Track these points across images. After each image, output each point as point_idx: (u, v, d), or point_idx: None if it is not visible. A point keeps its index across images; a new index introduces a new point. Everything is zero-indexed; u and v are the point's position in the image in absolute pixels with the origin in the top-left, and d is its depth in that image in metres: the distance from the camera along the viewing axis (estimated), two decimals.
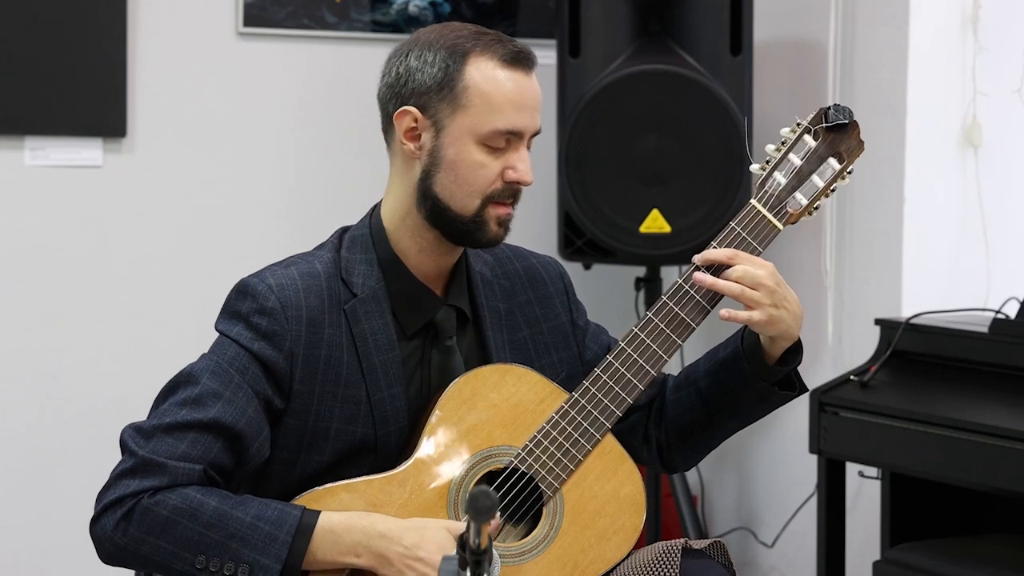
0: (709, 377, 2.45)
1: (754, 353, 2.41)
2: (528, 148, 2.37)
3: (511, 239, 2.45)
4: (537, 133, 2.37)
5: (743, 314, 2.33)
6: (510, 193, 2.35)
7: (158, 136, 4.08)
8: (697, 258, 2.37)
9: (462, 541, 1.84)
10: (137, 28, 4.04)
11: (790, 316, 2.35)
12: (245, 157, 4.18)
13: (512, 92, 2.31)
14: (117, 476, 2.25)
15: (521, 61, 2.34)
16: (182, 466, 2.22)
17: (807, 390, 2.49)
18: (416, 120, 2.34)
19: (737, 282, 2.32)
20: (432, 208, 2.34)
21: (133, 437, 2.26)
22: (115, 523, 2.22)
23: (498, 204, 2.34)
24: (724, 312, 2.34)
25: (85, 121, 3.99)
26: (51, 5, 3.92)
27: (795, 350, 2.41)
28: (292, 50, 4.21)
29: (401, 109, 2.34)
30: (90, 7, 3.95)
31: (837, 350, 4.18)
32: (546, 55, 4.24)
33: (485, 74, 2.31)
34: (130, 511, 2.22)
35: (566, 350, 2.50)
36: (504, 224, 2.36)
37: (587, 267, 4.22)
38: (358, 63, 4.25)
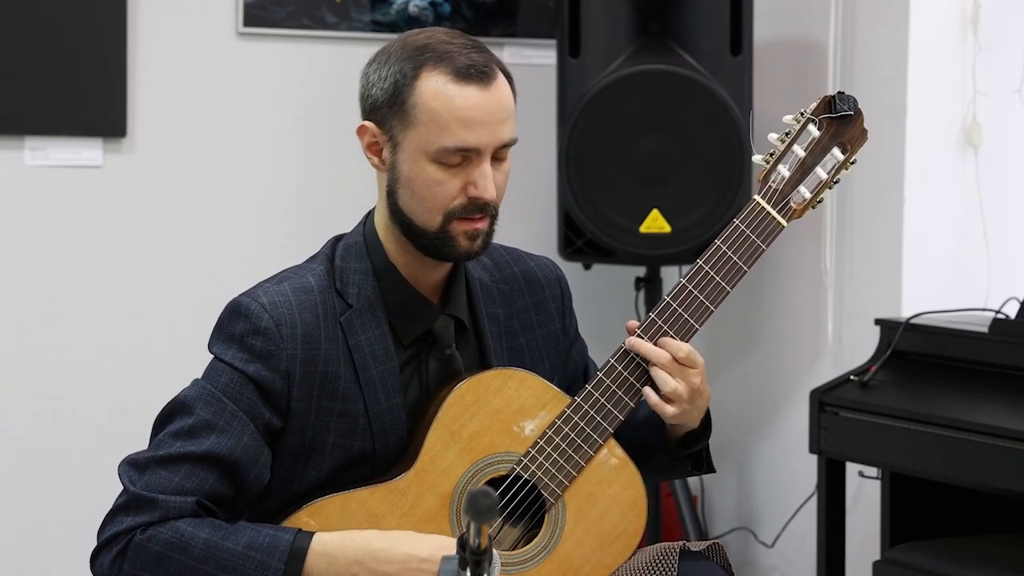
0: (632, 428, 2.42)
1: (662, 426, 2.42)
2: (502, 159, 2.29)
3: (513, 238, 2.43)
4: (508, 144, 2.29)
5: (656, 399, 2.33)
6: (476, 208, 2.28)
7: (158, 136, 4.08)
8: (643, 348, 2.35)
9: (462, 541, 1.84)
10: (137, 28, 4.04)
11: (697, 412, 2.37)
12: (245, 157, 4.18)
13: (461, 109, 2.24)
14: (112, 512, 2.24)
15: (473, 76, 2.25)
16: (174, 500, 2.21)
17: (713, 471, 2.49)
18: (375, 135, 2.31)
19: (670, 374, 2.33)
20: (400, 222, 2.31)
21: (128, 472, 2.25)
22: (111, 561, 2.22)
23: (463, 220, 2.28)
24: (646, 389, 2.34)
25: (85, 121, 3.99)
26: (51, 5, 3.92)
27: (700, 434, 2.43)
28: (292, 50, 4.21)
29: (360, 124, 2.32)
30: (90, 7, 3.95)
31: (837, 350, 4.18)
32: (546, 55, 4.25)
33: (433, 90, 2.25)
34: (124, 548, 2.21)
35: (558, 357, 2.49)
36: (476, 237, 2.29)
37: (587, 267, 4.22)
38: (358, 63, 4.17)
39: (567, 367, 2.50)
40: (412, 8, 4.30)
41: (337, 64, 4.24)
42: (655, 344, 2.34)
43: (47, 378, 4.01)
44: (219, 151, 4.15)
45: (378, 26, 4.27)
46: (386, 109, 2.28)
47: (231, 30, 4.15)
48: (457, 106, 2.24)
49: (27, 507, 4.00)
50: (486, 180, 2.26)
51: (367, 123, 2.31)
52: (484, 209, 2.29)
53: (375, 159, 2.32)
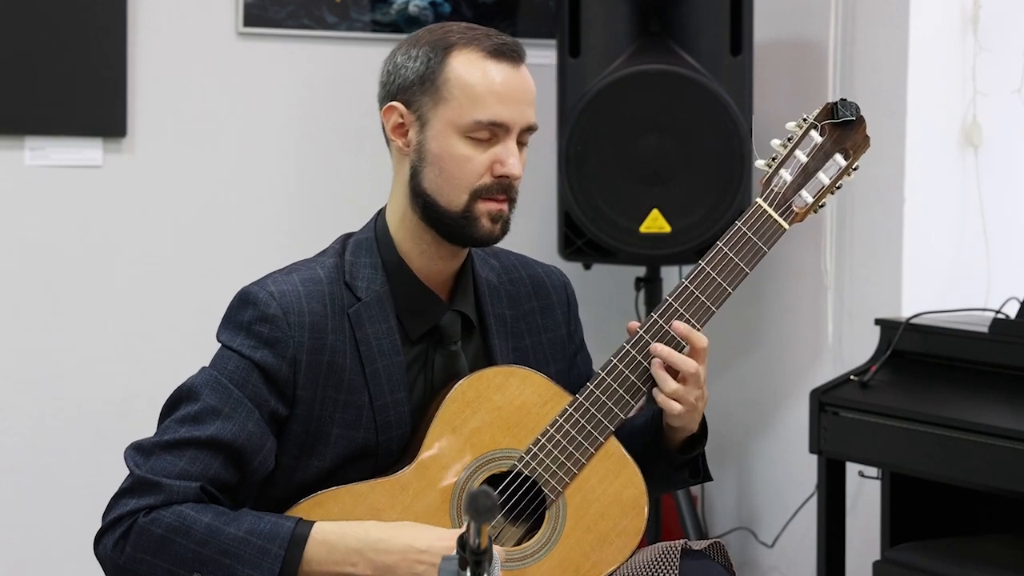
0: (628, 438, 2.43)
1: (659, 433, 2.44)
2: (523, 144, 2.35)
3: (513, 238, 2.44)
4: (531, 129, 2.35)
5: (664, 397, 2.35)
6: (500, 188, 2.32)
7: (158, 136, 4.08)
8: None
9: (462, 541, 1.84)
10: (137, 28, 4.04)
11: (698, 414, 2.39)
12: (245, 157, 4.18)
13: (495, 83, 2.29)
14: (117, 496, 2.25)
15: (506, 53, 2.31)
16: (178, 484, 2.22)
17: (711, 479, 2.51)
18: (402, 116, 2.33)
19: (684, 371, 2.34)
20: (423, 205, 2.33)
21: (133, 456, 2.27)
22: (114, 543, 2.23)
23: (488, 200, 2.31)
24: (655, 389, 2.35)
25: (85, 121, 3.99)
26: (51, 5, 3.92)
27: (698, 439, 2.44)
28: (292, 50, 4.21)
29: (387, 105, 2.35)
30: (90, 7, 3.95)
31: (837, 350, 4.18)
32: (546, 55, 4.24)
33: (467, 66, 2.30)
34: (127, 531, 2.22)
35: (562, 362, 2.50)
36: (498, 220, 2.33)
37: (587, 267, 4.22)
38: (358, 63, 4.25)
39: (571, 374, 2.50)
40: (412, 8, 4.30)
41: (337, 64, 4.24)
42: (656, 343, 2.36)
43: (48, 378, 4.01)
44: (219, 151, 4.15)
45: (378, 26, 4.27)
46: (416, 87, 2.31)
47: (231, 30, 4.15)
48: (492, 79, 2.30)
49: (27, 506, 4.00)
50: (515, 158, 2.31)
51: (395, 104, 2.33)
52: (507, 191, 2.32)
53: (399, 141, 2.34)
